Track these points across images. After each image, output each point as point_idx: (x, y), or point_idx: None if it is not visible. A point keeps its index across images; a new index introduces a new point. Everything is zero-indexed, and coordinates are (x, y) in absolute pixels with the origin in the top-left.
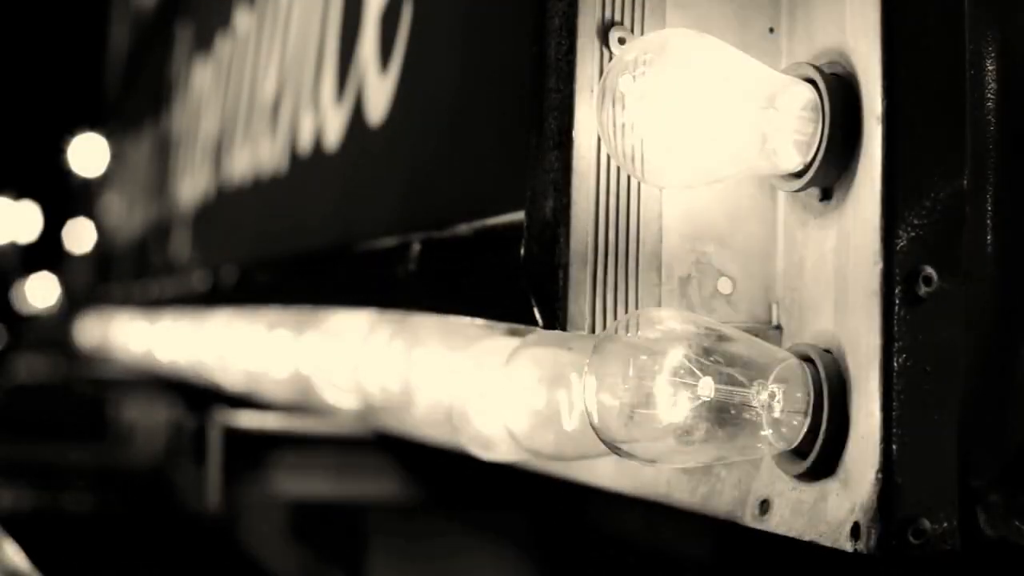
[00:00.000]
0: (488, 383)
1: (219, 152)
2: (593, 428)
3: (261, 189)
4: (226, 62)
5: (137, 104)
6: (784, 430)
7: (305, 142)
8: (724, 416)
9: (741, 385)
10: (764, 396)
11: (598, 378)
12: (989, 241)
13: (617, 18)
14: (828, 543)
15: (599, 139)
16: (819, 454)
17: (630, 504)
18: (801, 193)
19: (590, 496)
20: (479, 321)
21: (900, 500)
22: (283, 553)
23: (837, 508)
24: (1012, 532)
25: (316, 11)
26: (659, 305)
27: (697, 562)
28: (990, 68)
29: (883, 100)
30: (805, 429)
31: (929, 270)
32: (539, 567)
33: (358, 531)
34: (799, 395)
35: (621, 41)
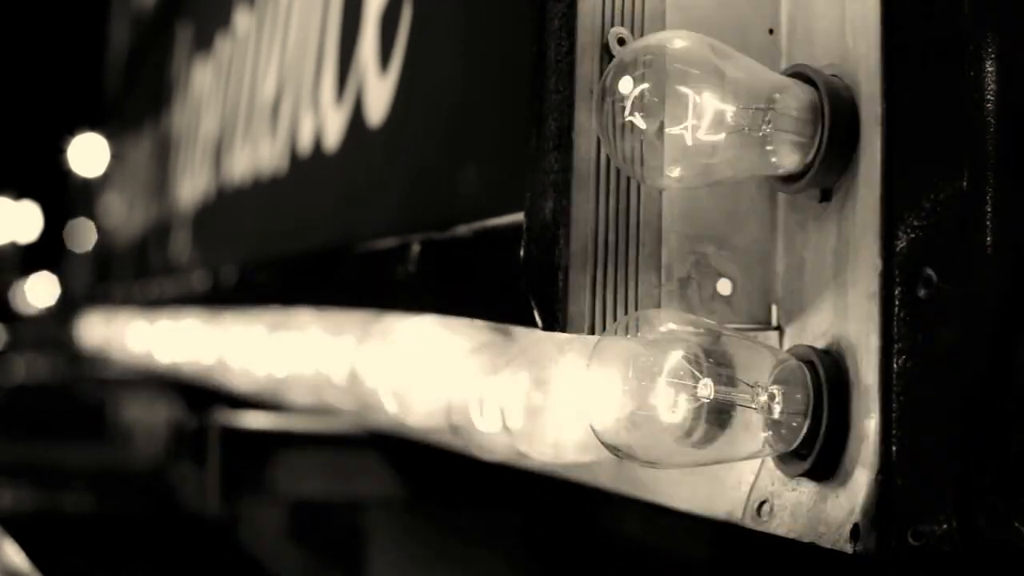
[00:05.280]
0: (488, 384)
1: (219, 152)
2: (592, 430)
3: (261, 189)
4: (226, 62)
5: (137, 104)
6: (784, 432)
7: (305, 142)
8: (724, 417)
9: (741, 387)
10: (763, 398)
11: (597, 380)
12: (989, 242)
13: (617, 19)
14: (828, 544)
15: (599, 140)
16: (819, 456)
17: (630, 505)
18: (801, 194)
19: (590, 496)
20: (479, 322)
21: (900, 502)
22: (283, 553)
23: (837, 510)
24: (1012, 534)
25: (316, 11)
26: (658, 306)
27: (697, 564)
28: (990, 68)
29: (882, 101)
30: (805, 431)
31: (929, 271)
32: (539, 567)
33: (358, 531)
34: (799, 397)
35: (621, 42)
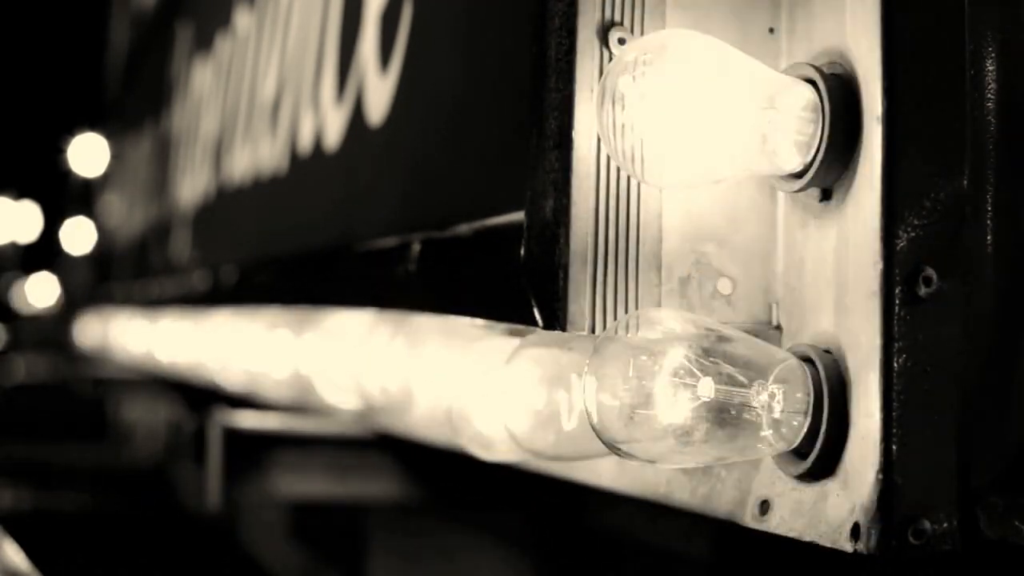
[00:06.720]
0: (488, 383)
1: (219, 152)
2: (593, 428)
3: (261, 189)
4: (226, 62)
5: (137, 104)
6: (784, 430)
7: (305, 142)
8: (724, 416)
9: (741, 385)
10: (764, 396)
11: (598, 378)
12: (989, 241)
13: (617, 18)
14: (828, 543)
15: (599, 139)
16: (819, 454)
17: (630, 504)
18: (801, 193)
19: (590, 496)
20: (479, 321)
21: (900, 500)
22: (283, 553)
23: (837, 508)
24: (1012, 532)
25: (316, 11)
26: (659, 305)
27: (697, 563)
28: (990, 68)
29: (883, 100)
30: (805, 430)
31: (929, 270)
32: (539, 567)
33: (358, 531)
34: (799, 395)
35: (621, 41)
